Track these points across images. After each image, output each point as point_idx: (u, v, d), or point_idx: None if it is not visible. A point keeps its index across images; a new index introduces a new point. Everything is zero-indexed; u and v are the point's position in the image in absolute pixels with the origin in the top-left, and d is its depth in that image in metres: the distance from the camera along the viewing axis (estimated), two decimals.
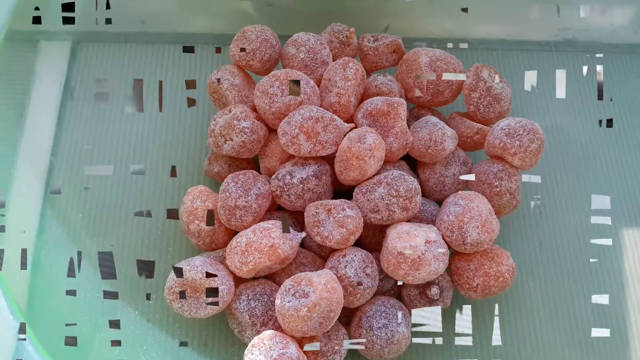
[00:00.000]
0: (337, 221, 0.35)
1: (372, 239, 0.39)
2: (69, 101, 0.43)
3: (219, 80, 0.39)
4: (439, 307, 0.37)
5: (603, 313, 0.40)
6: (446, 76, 0.41)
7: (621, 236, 0.43)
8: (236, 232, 0.37)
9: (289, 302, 0.32)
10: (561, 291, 0.41)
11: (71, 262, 0.34)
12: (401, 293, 0.38)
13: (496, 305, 0.40)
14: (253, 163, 0.41)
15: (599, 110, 0.47)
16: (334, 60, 0.42)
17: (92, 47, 0.46)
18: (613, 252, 0.42)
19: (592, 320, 0.40)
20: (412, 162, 0.41)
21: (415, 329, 0.38)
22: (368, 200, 0.36)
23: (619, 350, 0.39)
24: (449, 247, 0.36)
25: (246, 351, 0.32)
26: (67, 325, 0.32)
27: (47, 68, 0.44)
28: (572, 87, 0.48)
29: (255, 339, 0.32)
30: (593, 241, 0.42)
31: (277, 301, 0.32)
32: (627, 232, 0.43)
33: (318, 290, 0.31)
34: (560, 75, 0.48)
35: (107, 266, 0.35)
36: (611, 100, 0.47)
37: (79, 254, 0.36)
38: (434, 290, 0.36)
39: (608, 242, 0.42)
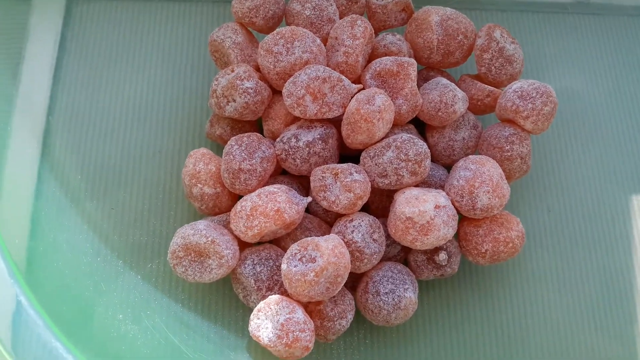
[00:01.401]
0: (344, 185, 0.34)
1: (379, 204, 0.38)
2: (64, 60, 0.42)
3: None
4: (447, 272, 0.37)
5: (611, 281, 0.40)
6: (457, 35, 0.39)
7: (630, 203, 0.42)
8: (240, 196, 0.37)
9: (295, 266, 0.31)
10: (569, 258, 0.40)
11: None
12: (408, 259, 0.37)
13: (504, 272, 0.39)
14: (256, 126, 0.40)
15: (613, 74, 0.46)
16: (340, 18, 0.40)
17: (88, 4, 0.44)
18: (622, 219, 0.41)
19: (600, 288, 0.39)
20: (420, 126, 0.40)
21: (422, 295, 0.38)
22: (376, 164, 0.35)
23: (626, 318, 0.39)
24: (458, 212, 0.35)
25: (252, 315, 0.32)
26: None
27: (41, 26, 0.42)
28: (586, 51, 0.46)
29: (262, 304, 0.32)
30: (602, 208, 0.42)
31: (284, 266, 0.32)
32: (636, 199, 0.42)
33: (325, 254, 0.31)
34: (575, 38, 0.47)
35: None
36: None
37: None
38: (442, 256, 0.36)
39: (617, 209, 0.42)
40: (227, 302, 0.36)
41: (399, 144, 0.35)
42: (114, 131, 0.40)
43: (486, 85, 0.40)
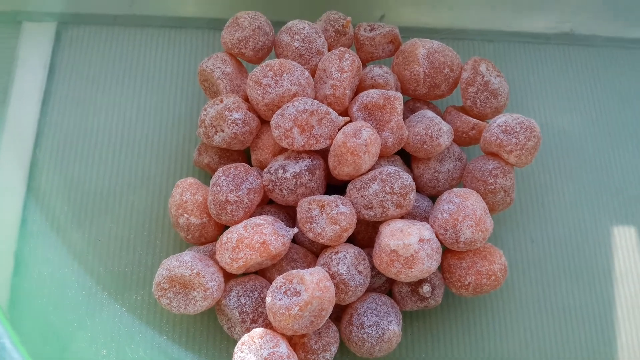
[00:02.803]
0: (330, 218, 0.34)
1: (364, 234, 0.38)
2: (53, 86, 0.42)
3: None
4: (430, 304, 0.37)
5: (594, 311, 0.40)
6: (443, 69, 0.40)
7: (612, 234, 0.43)
8: (226, 227, 0.37)
9: (280, 300, 0.31)
10: (552, 289, 0.41)
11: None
12: (392, 290, 0.37)
13: (487, 303, 0.40)
14: (244, 154, 0.40)
15: (597, 106, 0.47)
16: (329, 49, 0.41)
17: (78, 29, 0.44)
18: (604, 250, 0.42)
19: (582, 318, 0.40)
20: (405, 157, 0.40)
21: (405, 325, 0.38)
22: (362, 196, 0.35)
23: (607, 348, 0.39)
24: (442, 244, 0.36)
25: (236, 349, 0.32)
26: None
27: (30, 50, 0.42)
28: (570, 81, 0.47)
29: (245, 337, 0.32)
30: (585, 240, 0.42)
31: (268, 299, 0.32)
32: (618, 230, 0.43)
33: (310, 288, 0.31)
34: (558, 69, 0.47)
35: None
36: None
37: None
38: (426, 288, 0.36)
39: (600, 241, 0.42)
40: (211, 333, 0.36)
41: (384, 177, 0.35)
42: (102, 159, 0.40)
43: (471, 118, 0.40)
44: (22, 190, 0.37)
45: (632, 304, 0.40)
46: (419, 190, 0.40)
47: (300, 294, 0.31)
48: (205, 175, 0.41)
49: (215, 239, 0.37)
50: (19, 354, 0.23)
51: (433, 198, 0.40)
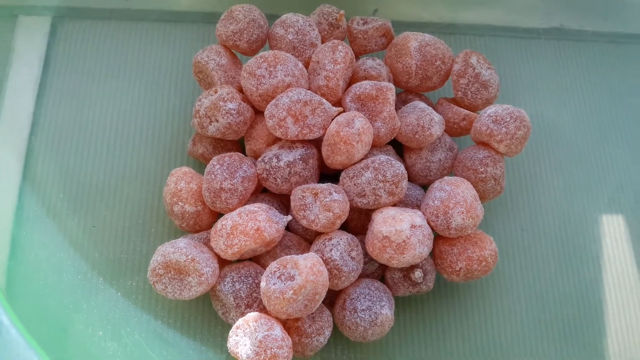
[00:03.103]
0: (323, 205, 0.35)
1: (357, 222, 0.39)
2: (49, 79, 0.42)
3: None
4: (422, 289, 0.37)
5: (582, 296, 0.41)
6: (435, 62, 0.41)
7: (600, 222, 0.43)
8: (220, 215, 0.37)
9: (274, 284, 0.32)
10: (542, 275, 0.41)
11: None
12: (384, 276, 0.38)
13: (478, 289, 0.40)
14: (238, 145, 0.41)
15: (585, 99, 0.47)
16: (322, 42, 0.41)
17: (74, 23, 0.45)
18: (592, 238, 0.43)
19: (571, 303, 0.41)
20: (397, 147, 0.41)
21: (398, 311, 0.38)
22: (355, 184, 0.36)
23: (596, 332, 0.40)
24: (434, 231, 0.36)
25: (230, 332, 0.32)
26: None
27: (26, 44, 0.43)
28: (559, 75, 0.48)
29: (240, 321, 0.32)
30: (573, 228, 0.43)
31: (263, 283, 0.32)
32: (606, 218, 0.43)
33: (304, 273, 0.31)
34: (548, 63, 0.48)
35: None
36: None
37: None
38: (418, 274, 0.37)
39: (588, 229, 0.43)
40: (206, 319, 0.37)
41: (377, 165, 0.36)
42: (97, 149, 0.41)
43: (462, 109, 0.41)
44: (18, 179, 0.38)
45: (618, 289, 0.41)
46: (411, 179, 0.40)
47: (294, 279, 0.32)
48: (200, 165, 0.41)
49: (209, 227, 0.37)
50: (17, 331, 0.23)
51: (425, 187, 0.41)
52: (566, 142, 0.46)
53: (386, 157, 0.36)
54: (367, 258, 0.37)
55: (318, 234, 0.37)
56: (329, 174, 0.39)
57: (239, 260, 0.36)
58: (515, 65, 0.48)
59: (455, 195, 0.36)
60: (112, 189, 0.40)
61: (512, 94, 0.47)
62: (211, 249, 0.35)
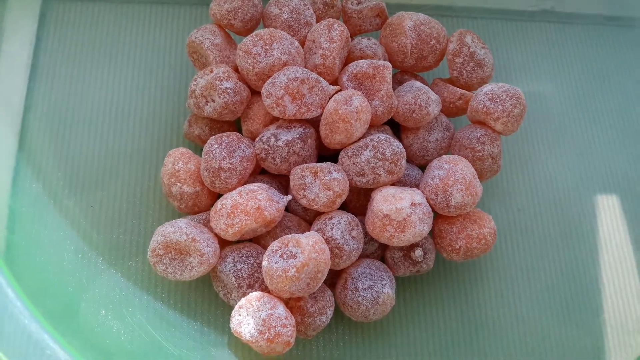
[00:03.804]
0: (323, 184, 0.35)
1: (356, 202, 0.38)
2: (40, 62, 0.41)
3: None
4: (422, 268, 0.37)
5: (579, 276, 0.41)
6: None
7: (596, 202, 0.44)
8: (219, 195, 0.37)
9: (276, 263, 0.32)
10: (539, 255, 0.42)
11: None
12: (384, 255, 0.38)
13: (476, 268, 0.41)
14: (234, 125, 0.40)
15: (579, 80, 0.48)
16: (317, 22, 0.41)
17: (64, 4, 0.44)
18: (588, 217, 0.43)
19: (568, 283, 0.41)
20: (394, 127, 0.41)
21: (398, 291, 0.38)
22: (354, 163, 0.36)
23: (593, 311, 0.40)
24: (433, 210, 0.36)
25: (233, 312, 0.32)
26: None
27: (16, 26, 0.42)
28: (553, 57, 0.48)
29: (243, 300, 0.32)
30: (569, 207, 0.43)
31: (265, 262, 0.32)
32: (601, 198, 0.44)
33: (306, 251, 0.31)
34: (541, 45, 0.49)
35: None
36: None
37: None
38: (418, 252, 0.37)
39: (583, 207, 0.43)
40: (206, 300, 0.36)
41: (376, 143, 0.36)
42: (92, 131, 0.40)
43: (458, 89, 0.41)
44: (13, 159, 0.37)
45: (615, 267, 0.42)
46: (408, 159, 0.40)
47: (296, 257, 0.31)
48: (196, 147, 0.41)
49: (208, 208, 0.37)
50: (24, 306, 0.23)
51: (422, 168, 0.41)
52: (561, 121, 0.46)
53: (385, 135, 0.36)
54: (367, 238, 0.37)
55: (318, 214, 0.36)
56: (326, 155, 0.39)
57: (240, 241, 0.36)
58: (510, 47, 0.48)
59: (454, 173, 0.36)
60: (108, 169, 0.39)
61: (506, 75, 0.47)
62: (211, 229, 0.34)
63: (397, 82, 0.43)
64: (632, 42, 0.50)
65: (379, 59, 0.40)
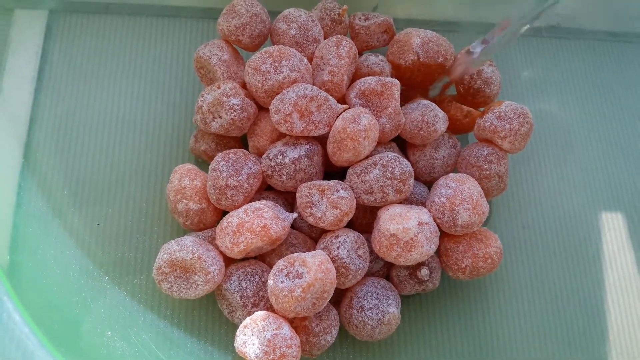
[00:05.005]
0: (330, 202, 0.34)
1: (362, 220, 0.38)
2: (46, 74, 0.41)
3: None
4: (428, 287, 0.37)
5: (584, 294, 0.41)
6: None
7: (601, 219, 0.44)
8: (225, 212, 0.37)
9: (282, 282, 0.31)
10: (544, 273, 0.41)
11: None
12: (390, 274, 0.38)
13: (482, 287, 0.40)
14: (240, 142, 0.40)
15: (585, 96, 0.48)
16: (325, 38, 0.41)
17: (70, 17, 0.44)
18: (594, 235, 0.43)
19: (574, 301, 0.41)
20: (401, 144, 0.41)
21: (404, 309, 0.38)
22: (362, 181, 0.35)
23: (597, 330, 0.40)
24: (439, 228, 0.36)
25: (238, 332, 0.32)
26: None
27: (22, 38, 0.42)
28: (559, 73, 0.48)
29: (248, 320, 0.32)
30: (574, 225, 0.43)
31: (270, 281, 0.32)
32: (607, 215, 0.44)
33: (313, 270, 0.31)
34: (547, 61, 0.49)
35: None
36: None
37: None
38: (424, 271, 0.36)
39: (589, 226, 0.43)
40: (210, 318, 0.36)
41: (385, 162, 0.35)
42: (97, 146, 0.40)
43: (464, 106, 0.41)
44: (18, 175, 0.37)
45: (620, 285, 0.41)
46: (415, 177, 0.40)
47: (302, 276, 0.31)
48: (202, 162, 0.41)
49: (213, 225, 0.36)
50: (31, 330, 0.22)
51: (428, 185, 0.40)
52: (567, 138, 0.46)
53: (394, 154, 0.36)
54: (373, 256, 0.37)
55: (323, 231, 0.36)
56: (332, 172, 0.39)
57: (245, 259, 0.35)
58: (516, 62, 0.48)
59: (462, 192, 0.36)
60: (113, 186, 0.39)
61: (513, 91, 0.47)
62: (216, 247, 0.34)
63: (404, 99, 0.42)
64: (639, 59, 0.50)
65: (387, 76, 0.40)
